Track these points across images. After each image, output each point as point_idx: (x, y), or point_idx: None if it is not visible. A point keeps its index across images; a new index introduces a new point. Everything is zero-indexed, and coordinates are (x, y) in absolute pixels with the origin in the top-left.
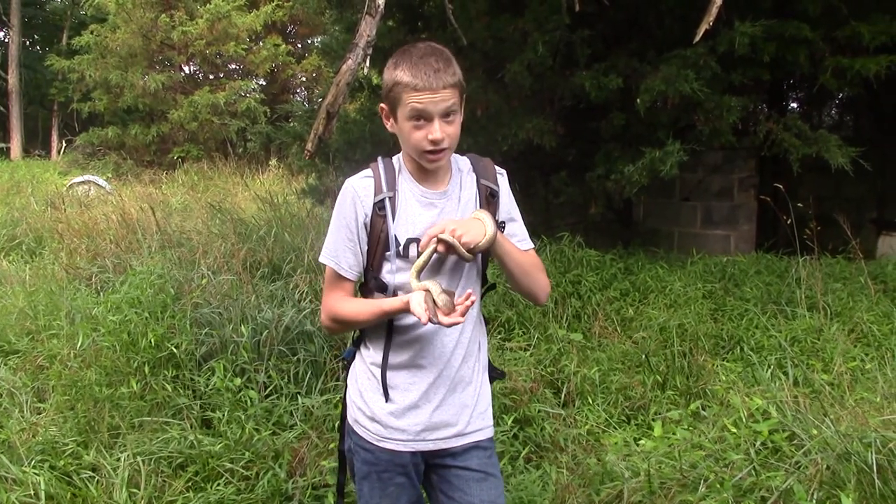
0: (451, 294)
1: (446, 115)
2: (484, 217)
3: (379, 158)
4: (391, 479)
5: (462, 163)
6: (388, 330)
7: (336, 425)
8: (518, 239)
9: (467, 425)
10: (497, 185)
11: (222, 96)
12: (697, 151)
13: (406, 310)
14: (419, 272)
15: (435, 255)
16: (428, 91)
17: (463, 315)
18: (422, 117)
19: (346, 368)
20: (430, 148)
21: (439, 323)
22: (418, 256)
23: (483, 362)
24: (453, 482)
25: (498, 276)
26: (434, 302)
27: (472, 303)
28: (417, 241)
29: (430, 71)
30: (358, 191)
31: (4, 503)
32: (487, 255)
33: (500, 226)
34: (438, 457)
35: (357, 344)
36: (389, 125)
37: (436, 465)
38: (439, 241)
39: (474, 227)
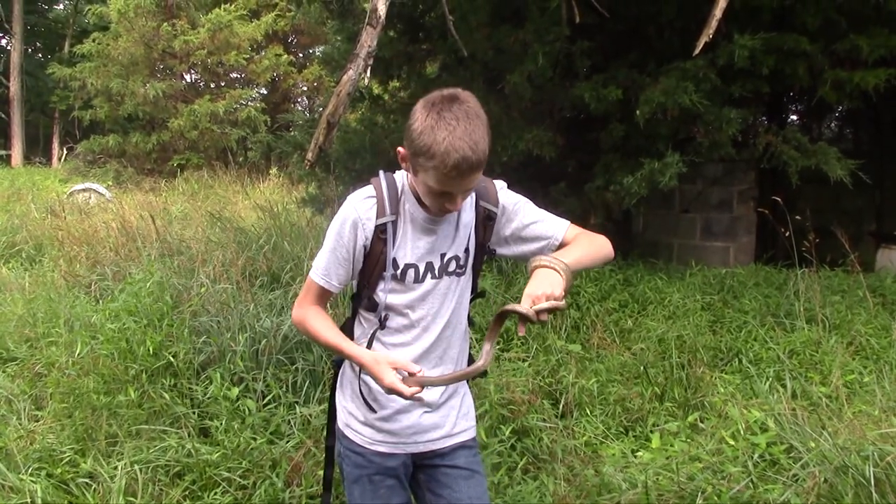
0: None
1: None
2: (545, 262)
3: (381, 174)
4: (382, 482)
5: None
6: (370, 345)
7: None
8: (552, 230)
9: (454, 426)
10: (496, 207)
11: (222, 105)
12: (697, 163)
13: (372, 374)
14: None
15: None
16: (458, 179)
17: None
18: (444, 193)
19: (335, 370)
20: (445, 212)
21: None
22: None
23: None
24: (441, 480)
25: (491, 283)
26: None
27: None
28: (415, 266)
29: (466, 166)
30: (360, 213)
31: None
32: (479, 268)
33: (492, 252)
34: (427, 457)
35: None
36: (405, 167)
37: (424, 465)
38: (540, 316)
39: (551, 279)
